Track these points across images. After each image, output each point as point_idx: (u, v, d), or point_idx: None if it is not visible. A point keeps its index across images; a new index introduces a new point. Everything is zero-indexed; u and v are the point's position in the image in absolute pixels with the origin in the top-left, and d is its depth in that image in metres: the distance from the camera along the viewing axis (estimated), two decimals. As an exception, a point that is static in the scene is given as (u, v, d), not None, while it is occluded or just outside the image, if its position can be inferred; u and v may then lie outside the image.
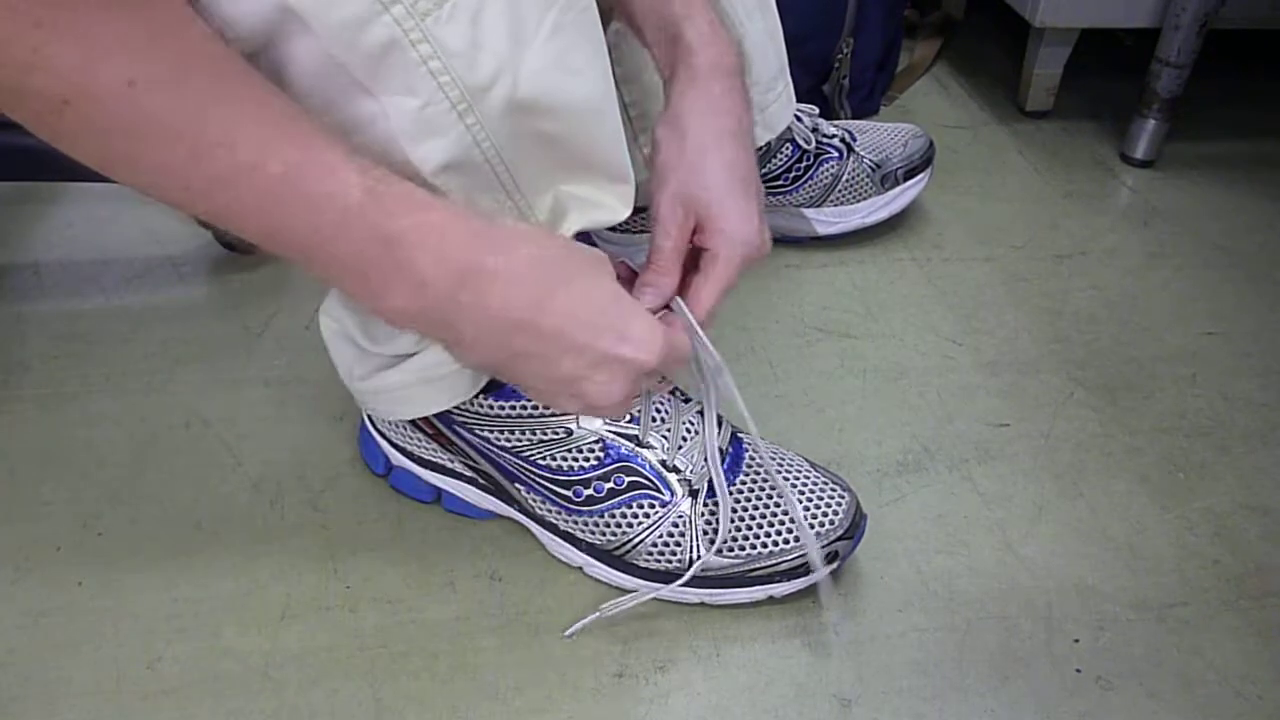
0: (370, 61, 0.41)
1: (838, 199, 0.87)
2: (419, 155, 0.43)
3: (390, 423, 0.62)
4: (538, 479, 0.58)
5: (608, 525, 0.57)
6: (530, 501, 0.60)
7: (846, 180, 0.87)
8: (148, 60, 0.36)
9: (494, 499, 0.62)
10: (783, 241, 0.90)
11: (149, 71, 0.36)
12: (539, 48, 0.44)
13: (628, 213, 0.52)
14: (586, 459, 0.57)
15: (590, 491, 0.57)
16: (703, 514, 0.57)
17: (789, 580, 0.57)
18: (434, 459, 0.62)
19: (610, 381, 0.47)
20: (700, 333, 0.53)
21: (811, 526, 0.57)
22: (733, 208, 0.52)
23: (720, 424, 0.60)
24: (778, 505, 0.57)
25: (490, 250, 0.43)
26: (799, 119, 0.84)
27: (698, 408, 0.60)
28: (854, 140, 0.88)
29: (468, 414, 0.58)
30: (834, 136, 0.87)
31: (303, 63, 0.41)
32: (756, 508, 0.57)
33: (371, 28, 0.40)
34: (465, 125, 0.44)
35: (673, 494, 0.57)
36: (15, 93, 0.35)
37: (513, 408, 0.56)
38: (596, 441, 0.57)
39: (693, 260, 0.54)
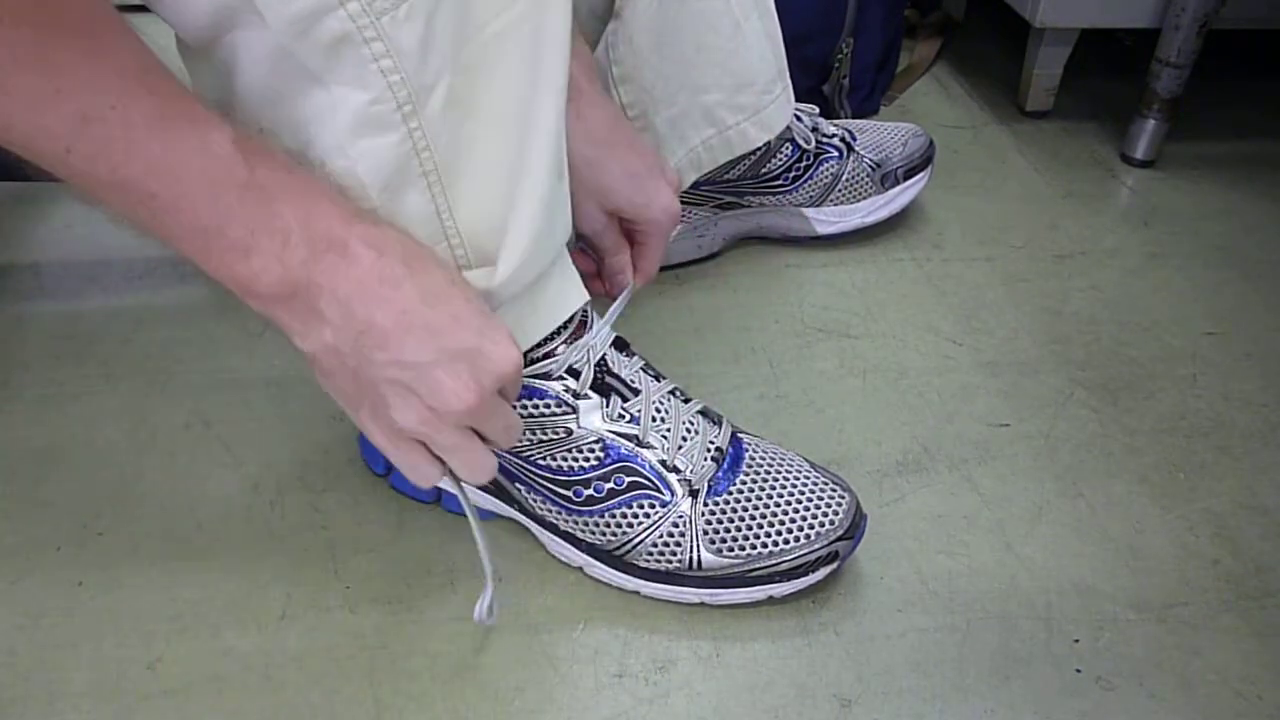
0: (321, 54, 0.41)
1: (838, 198, 0.87)
2: (357, 150, 0.43)
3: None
4: (538, 479, 0.58)
5: (608, 525, 0.57)
6: (530, 501, 0.60)
7: (846, 180, 0.87)
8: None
9: (494, 499, 0.62)
10: (783, 241, 0.90)
11: (15, 6, 0.34)
12: (479, 44, 0.44)
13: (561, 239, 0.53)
14: (586, 459, 0.57)
15: (590, 491, 0.57)
16: (703, 514, 0.57)
17: (789, 580, 0.57)
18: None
19: (464, 377, 0.44)
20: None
21: (811, 526, 0.57)
22: (644, 191, 0.61)
23: (719, 421, 0.60)
24: (778, 505, 0.57)
25: (361, 221, 0.43)
26: (799, 118, 0.84)
27: (698, 407, 0.60)
28: (854, 139, 0.88)
29: (468, 414, 0.58)
30: (834, 136, 0.87)
31: (255, 53, 0.41)
32: (756, 508, 0.57)
33: (325, 21, 0.40)
34: (408, 129, 0.43)
35: (673, 494, 0.57)
36: None
37: (512, 409, 0.56)
38: (596, 442, 0.57)
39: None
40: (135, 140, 0.37)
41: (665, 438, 0.57)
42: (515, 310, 0.51)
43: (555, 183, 0.50)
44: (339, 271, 0.42)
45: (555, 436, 0.57)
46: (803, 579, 0.57)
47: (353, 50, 0.41)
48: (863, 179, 0.87)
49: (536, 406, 0.56)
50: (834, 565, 0.58)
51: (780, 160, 0.84)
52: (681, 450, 0.57)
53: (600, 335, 0.57)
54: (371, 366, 0.44)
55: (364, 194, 0.44)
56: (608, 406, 0.57)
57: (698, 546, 0.57)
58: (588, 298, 0.57)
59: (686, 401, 0.60)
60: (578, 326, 0.56)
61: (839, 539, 0.57)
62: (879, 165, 0.88)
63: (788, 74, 0.77)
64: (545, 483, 0.58)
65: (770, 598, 0.58)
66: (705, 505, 0.57)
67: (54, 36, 0.35)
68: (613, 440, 0.57)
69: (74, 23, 0.36)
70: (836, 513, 0.58)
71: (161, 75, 0.38)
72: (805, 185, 0.86)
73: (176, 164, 0.38)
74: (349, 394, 0.48)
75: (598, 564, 0.59)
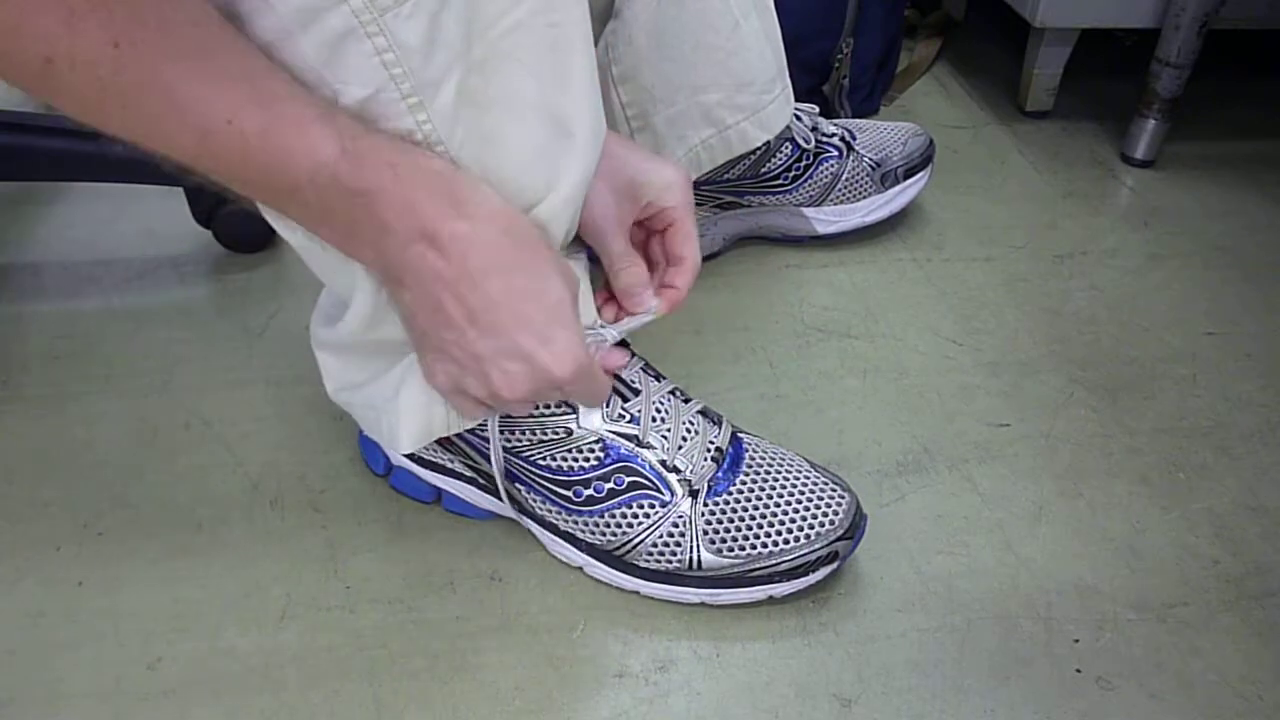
0: (324, 48, 0.41)
1: (837, 198, 0.87)
2: None
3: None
4: (538, 479, 0.58)
5: (608, 525, 0.57)
6: (530, 501, 0.60)
7: (846, 179, 0.87)
8: (129, 21, 0.36)
9: (494, 499, 0.62)
10: (783, 241, 0.90)
11: (132, 32, 0.36)
12: (491, 41, 0.44)
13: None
14: (586, 459, 0.57)
15: (590, 491, 0.57)
16: (703, 514, 0.57)
17: (789, 580, 0.57)
18: (434, 459, 0.62)
19: (516, 376, 0.48)
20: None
21: (811, 526, 0.57)
22: (655, 161, 0.57)
23: (719, 421, 0.60)
24: (778, 505, 0.57)
25: (456, 217, 0.44)
26: (798, 118, 0.84)
27: (698, 407, 0.60)
28: (853, 139, 0.88)
29: (468, 414, 0.58)
30: (833, 135, 0.87)
31: (260, 38, 0.41)
32: (756, 508, 0.57)
33: (328, 16, 0.40)
34: (416, 120, 0.44)
35: (673, 494, 0.57)
36: (3, 54, 0.36)
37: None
38: (596, 442, 0.57)
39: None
40: (250, 150, 0.40)
41: (665, 438, 0.57)
42: None
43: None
44: (425, 262, 0.45)
45: (555, 436, 0.57)
46: (803, 579, 0.57)
47: (355, 44, 0.41)
48: (862, 178, 0.87)
49: (537, 407, 0.56)
50: (834, 565, 0.58)
51: (780, 160, 0.84)
52: (681, 450, 0.57)
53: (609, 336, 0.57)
54: (440, 337, 0.48)
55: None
56: (608, 406, 0.57)
57: (698, 546, 0.57)
58: (593, 308, 0.57)
59: (686, 401, 0.60)
60: None
61: (839, 539, 0.57)
62: (879, 165, 0.88)
63: (787, 73, 0.77)
64: (545, 483, 0.58)
65: (770, 598, 0.58)
66: (705, 505, 0.57)
67: (169, 60, 0.38)
68: (613, 440, 0.57)
69: (186, 44, 0.38)
70: (836, 513, 0.58)
71: (268, 81, 0.40)
72: (805, 185, 0.86)
73: (288, 171, 0.41)
74: (416, 337, 0.51)
75: (598, 564, 0.59)
